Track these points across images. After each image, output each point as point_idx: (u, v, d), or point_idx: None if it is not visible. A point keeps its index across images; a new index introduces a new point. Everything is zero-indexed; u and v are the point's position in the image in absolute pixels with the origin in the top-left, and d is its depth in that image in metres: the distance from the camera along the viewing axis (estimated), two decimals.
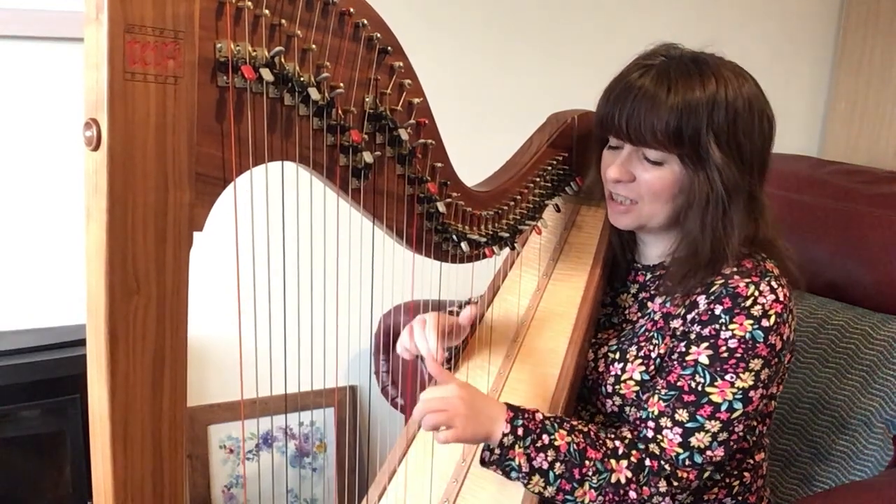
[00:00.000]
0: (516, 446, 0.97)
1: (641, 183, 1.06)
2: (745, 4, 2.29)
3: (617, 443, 1.01)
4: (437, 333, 1.08)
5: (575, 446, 0.99)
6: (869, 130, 2.32)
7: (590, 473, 0.98)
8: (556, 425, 1.00)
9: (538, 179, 1.19)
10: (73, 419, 1.63)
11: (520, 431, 0.97)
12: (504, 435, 0.96)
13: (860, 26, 2.33)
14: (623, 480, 0.98)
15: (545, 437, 0.98)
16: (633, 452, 1.00)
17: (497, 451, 0.97)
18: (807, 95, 2.44)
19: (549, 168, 1.21)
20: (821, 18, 2.40)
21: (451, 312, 1.23)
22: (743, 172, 1.03)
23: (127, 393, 0.69)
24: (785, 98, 2.35)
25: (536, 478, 0.97)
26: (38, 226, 1.67)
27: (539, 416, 1.00)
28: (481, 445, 0.99)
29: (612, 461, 0.99)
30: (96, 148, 0.64)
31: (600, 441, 1.01)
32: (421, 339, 1.09)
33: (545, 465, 0.97)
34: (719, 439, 1.00)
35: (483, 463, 0.99)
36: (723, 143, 1.01)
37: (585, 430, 1.02)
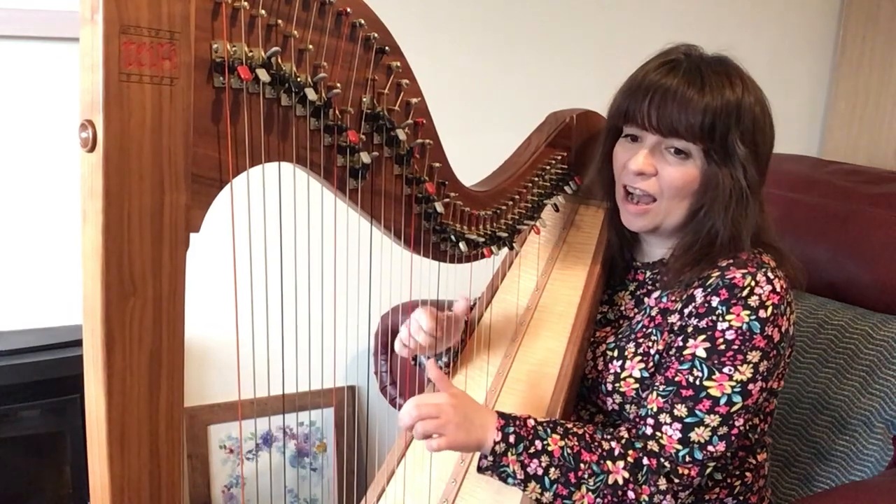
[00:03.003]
0: (509, 453, 0.96)
1: (664, 177, 1.06)
2: (745, 5, 2.29)
3: (613, 443, 1.01)
4: (432, 319, 1.10)
5: (569, 450, 0.98)
6: (869, 130, 2.32)
7: (586, 476, 0.97)
8: (548, 430, 0.99)
9: (537, 179, 1.19)
10: (73, 419, 1.63)
11: (511, 439, 0.96)
12: (496, 443, 0.96)
13: (860, 26, 2.33)
14: (621, 481, 0.98)
15: (538, 443, 0.97)
16: (630, 452, 1.00)
17: (490, 458, 0.97)
18: (807, 95, 2.44)
19: (548, 167, 1.21)
20: (821, 18, 2.40)
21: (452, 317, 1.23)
22: (759, 170, 1.05)
23: (124, 394, 0.69)
24: (785, 98, 2.35)
25: (532, 484, 0.97)
26: (38, 226, 1.68)
27: (531, 423, 0.99)
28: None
29: (609, 462, 0.99)
30: (92, 149, 0.64)
31: (595, 443, 1.00)
32: (416, 329, 1.12)
33: (539, 472, 0.97)
34: (719, 433, 1.00)
35: (480, 470, 0.98)
36: (746, 142, 1.03)
37: (580, 432, 1.01)
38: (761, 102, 1.06)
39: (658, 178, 1.06)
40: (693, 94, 1.02)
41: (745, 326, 0.99)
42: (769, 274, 1.02)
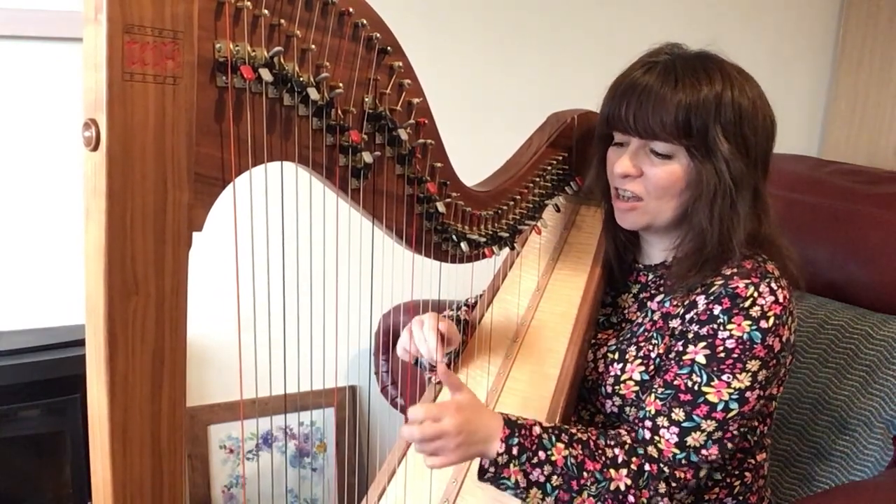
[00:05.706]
0: (511, 465, 0.94)
1: (649, 178, 1.06)
2: (746, 5, 2.29)
3: (617, 450, 1.00)
4: (436, 334, 1.08)
5: (573, 459, 0.97)
6: (869, 130, 2.32)
7: (588, 484, 0.96)
8: (553, 439, 0.97)
9: (538, 179, 1.19)
10: (73, 419, 1.63)
11: (515, 450, 0.94)
12: (499, 454, 0.94)
13: (860, 26, 2.33)
14: (623, 488, 0.98)
15: (541, 454, 0.96)
16: (634, 459, 0.99)
17: (491, 469, 0.94)
18: (807, 95, 2.44)
19: (549, 168, 1.21)
20: (821, 18, 2.40)
21: (452, 317, 1.23)
22: (749, 166, 1.04)
23: (126, 394, 0.69)
24: (785, 98, 2.35)
25: (534, 490, 0.95)
26: (38, 226, 1.67)
27: (536, 431, 0.97)
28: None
29: (612, 470, 0.98)
30: (95, 148, 0.64)
31: (599, 450, 0.99)
32: (420, 340, 1.10)
33: (542, 479, 0.95)
34: (713, 438, 1.00)
35: (480, 478, 0.96)
36: (730, 136, 1.02)
37: (584, 438, 1.00)
38: (750, 95, 1.05)
39: (643, 178, 1.07)
40: (666, 92, 1.02)
41: (745, 336, 0.99)
42: (773, 284, 1.02)
